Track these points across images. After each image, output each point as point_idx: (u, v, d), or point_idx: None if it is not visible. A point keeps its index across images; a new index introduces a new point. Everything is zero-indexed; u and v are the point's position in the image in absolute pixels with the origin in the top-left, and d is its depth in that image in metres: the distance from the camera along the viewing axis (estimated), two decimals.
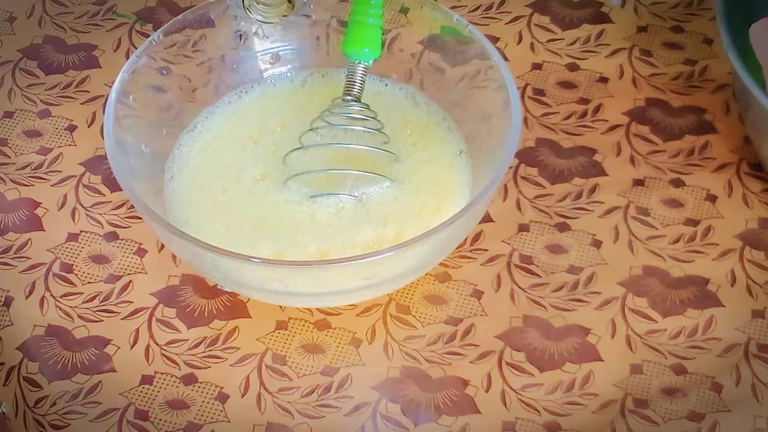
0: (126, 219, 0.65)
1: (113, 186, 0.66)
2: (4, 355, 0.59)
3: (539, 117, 0.68)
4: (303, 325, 0.60)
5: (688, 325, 0.58)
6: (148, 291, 0.61)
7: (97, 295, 0.61)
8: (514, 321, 0.59)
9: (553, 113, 0.68)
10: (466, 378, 0.57)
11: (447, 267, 0.61)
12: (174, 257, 0.63)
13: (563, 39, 0.73)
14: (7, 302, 0.61)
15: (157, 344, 0.59)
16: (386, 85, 0.66)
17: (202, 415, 0.56)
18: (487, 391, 0.56)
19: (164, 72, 0.63)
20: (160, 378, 0.58)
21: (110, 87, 0.59)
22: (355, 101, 0.61)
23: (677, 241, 0.62)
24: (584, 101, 0.69)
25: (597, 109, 0.68)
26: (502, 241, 0.62)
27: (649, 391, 0.56)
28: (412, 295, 0.60)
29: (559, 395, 0.56)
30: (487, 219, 0.63)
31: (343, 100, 0.61)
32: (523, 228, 0.63)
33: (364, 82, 0.61)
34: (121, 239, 0.64)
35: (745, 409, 0.55)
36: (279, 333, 0.59)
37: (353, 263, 0.52)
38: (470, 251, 0.62)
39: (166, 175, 0.62)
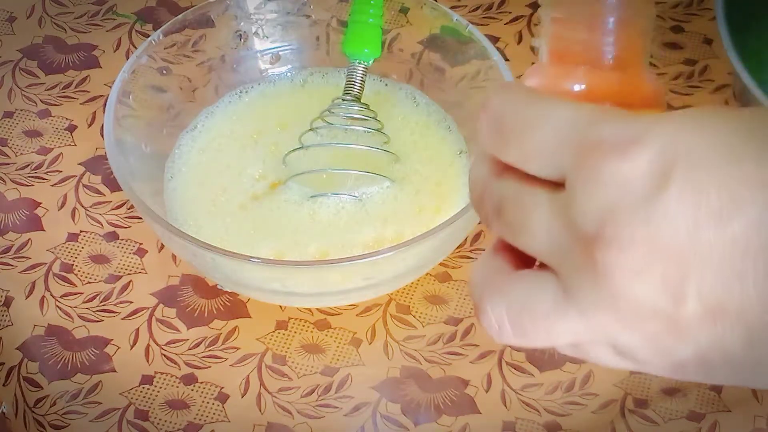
0: (126, 219, 0.65)
1: (113, 186, 0.66)
2: (4, 355, 0.59)
3: None
4: (303, 325, 0.60)
5: None
6: (148, 291, 0.61)
7: (97, 295, 0.61)
8: None
9: None
10: (466, 378, 0.57)
11: (447, 267, 0.61)
12: (174, 257, 0.63)
13: None
14: (7, 302, 0.61)
15: (157, 344, 0.59)
16: (386, 85, 0.66)
17: (202, 415, 0.56)
18: (487, 391, 0.56)
19: (164, 72, 0.63)
20: (160, 378, 0.58)
21: (110, 87, 0.59)
22: (355, 101, 0.61)
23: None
24: None
25: None
26: None
27: (649, 391, 0.56)
28: (412, 295, 0.60)
29: (559, 395, 0.56)
30: None
31: (343, 100, 0.61)
32: None
33: (364, 82, 0.61)
34: (121, 239, 0.64)
35: (745, 409, 0.55)
36: (279, 333, 0.59)
37: (353, 263, 0.53)
38: (470, 251, 0.62)
39: (166, 175, 0.62)
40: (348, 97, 0.61)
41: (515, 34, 0.73)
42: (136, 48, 0.72)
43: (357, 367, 0.58)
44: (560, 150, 0.29)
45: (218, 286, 0.61)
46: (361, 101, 0.61)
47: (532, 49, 0.72)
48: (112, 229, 0.64)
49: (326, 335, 0.59)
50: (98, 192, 0.66)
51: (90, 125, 0.70)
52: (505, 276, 0.31)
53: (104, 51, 0.74)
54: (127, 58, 0.62)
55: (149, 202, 0.55)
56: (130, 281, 0.62)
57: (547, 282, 0.30)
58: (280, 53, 0.67)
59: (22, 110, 0.71)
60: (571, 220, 0.28)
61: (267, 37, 0.67)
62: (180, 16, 0.63)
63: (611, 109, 0.29)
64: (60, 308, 0.61)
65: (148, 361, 0.58)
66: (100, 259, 0.63)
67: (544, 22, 0.32)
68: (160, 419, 0.56)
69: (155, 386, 0.58)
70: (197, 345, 0.59)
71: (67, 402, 0.57)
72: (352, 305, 0.60)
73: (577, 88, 0.31)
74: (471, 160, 0.62)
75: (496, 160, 0.31)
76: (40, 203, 0.66)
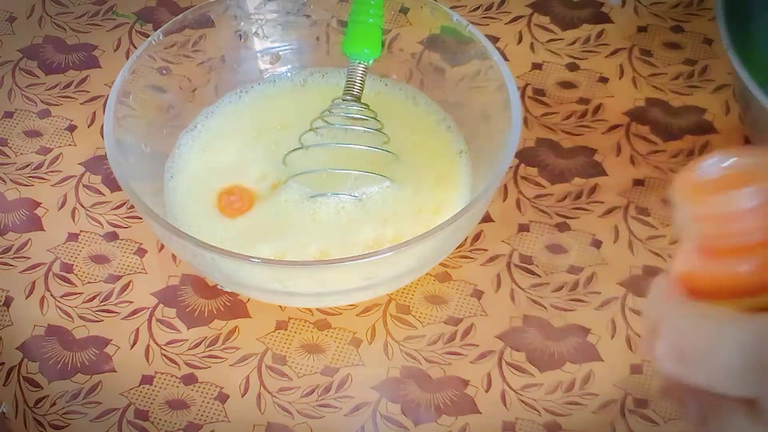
0: (126, 219, 0.65)
1: (113, 186, 0.66)
2: (4, 355, 0.59)
3: (539, 117, 0.68)
4: (303, 325, 0.60)
5: None
6: (148, 291, 0.61)
7: (97, 295, 0.61)
8: (514, 321, 0.59)
9: (553, 113, 0.68)
10: (466, 378, 0.57)
11: (447, 267, 0.61)
12: (174, 257, 0.63)
13: (563, 39, 0.73)
14: (7, 302, 0.61)
15: (157, 344, 0.59)
16: (386, 85, 0.66)
17: (202, 415, 0.56)
18: (487, 391, 0.56)
19: (164, 72, 0.63)
20: (160, 378, 0.58)
21: (110, 87, 0.59)
22: (355, 101, 0.61)
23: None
24: (584, 101, 0.69)
25: (597, 109, 0.68)
26: (502, 241, 0.62)
27: (649, 391, 0.56)
28: (412, 295, 0.60)
29: (559, 395, 0.56)
30: (487, 219, 0.63)
31: (343, 100, 0.61)
32: (523, 228, 0.63)
33: (364, 82, 0.61)
34: (121, 239, 0.64)
35: None
36: (279, 333, 0.59)
37: (353, 263, 0.52)
38: (470, 251, 0.62)
39: (166, 175, 0.62)
40: (348, 97, 0.61)
41: (515, 34, 0.73)
42: (136, 48, 0.72)
43: (357, 367, 0.58)
44: (744, 375, 0.29)
45: (218, 286, 0.61)
46: (361, 101, 0.61)
47: (532, 48, 0.72)
48: (112, 229, 0.64)
49: (326, 335, 0.59)
50: (98, 192, 0.66)
51: (90, 125, 0.70)
52: None
53: (104, 51, 0.74)
54: (127, 58, 0.62)
55: (149, 202, 0.55)
56: (130, 281, 0.62)
57: None
58: (280, 53, 0.67)
59: (22, 110, 0.71)
60: None
61: (267, 37, 0.67)
62: (180, 16, 0.63)
63: None
64: (60, 308, 0.61)
65: (148, 361, 0.58)
66: (100, 259, 0.63)
67: (683, 215, 0.31)
68: (160, 419, 0.56)
69: (155, 386, 0.58)
70: (197, 345, 0.59)
71: (67, 402, 0.57)
72: (352, 305, 0.60)
73: (738, 278, 0.30)
74: (471, 160, 0.62)
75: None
76: (40, 203, 0.66)
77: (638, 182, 0.65)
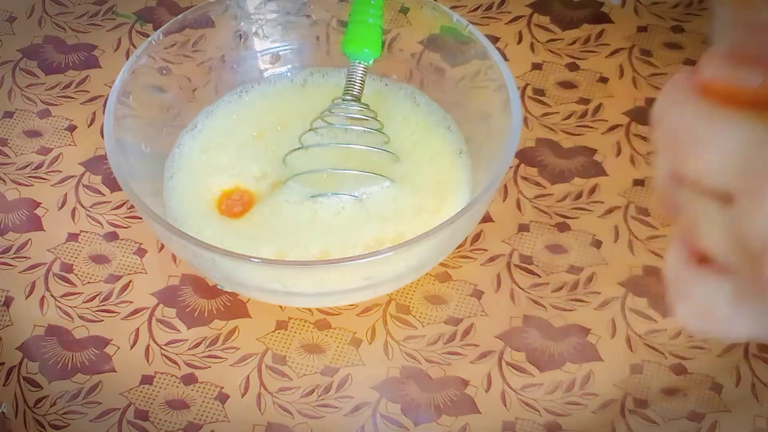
0: (126, 219, 0.65)
1: (113, 186, 0.66)
2: (4, 355, 0.59)
3: (539, 117, 0.68)
4: (303, 325, 0.60)
5: None
6: (148, 291, 0.61)
7: (97, 295, 0.61)
8: (514, 321, 0.59)
9: (553, 113, 0.68)
10: (466, 378, 0.57)
11: (447, 267, 0.61)
12: (174, 257, 0.63)
13: (563, 39, 0.73)
14: (7, 302, 0.61)
15: (157, 344, 0.59)
16: (386, 85, 0.66)
17: (202, 415, 0.56)
18: (487, 391, 0.56)
19: (164, 72, 0.63)
20: (160, 378, 0.58)
21: (110, 87, 0.59)
22: (355, 101, 0.61)
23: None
24: (584, 101, 0.69)
25: (597, 109, 0.69)
26: (502, 241, 0.62)
27: (649, 391, 0.56)
28: (412, 295, 0.60)
29: (559, 395, 0.56)
30: (487, 219, 0.63)
31: (343, 100, 0.61)
32: (523, 228, 0.63)
33: (364, 82, 0.61)
34: (121, 239, 0.64)
35: (744, 409, 0.55)
36: (279, 333, 0.59)
37: (353, 263, 0.52)
38: (470, 251, 0.62)
39: (165, 175, 0.62)
40: (348, 97, 0.61)
41: (515, 34, 0.73)
42: (136, 48, 0.72)
43: (357, 367, 0.58)
44: (730, 170, 0.30)
45: (218, 286, 0.61)
46: (361, 101, 0.61)
47: (532, 48, 0.72)
48: (112, 229, 0.64)
49: (326, 335, 0.59)
50: (98, 192, 0.66)
51: (90, 125, 0.70)
52: (691, 274, 0.33)
53: (104, 51, 0.74)
54: (127, 58, 0.62)
55: (149, 201, 0.55)
56: (130, 281, 0.62)
57: (724, 286, 0.31)
58: (280, 53, 0.67)
59: (22, 110, 0.71)
60: (741, 236, 0.29)
61: (267, 37, 0.67)
62: (180, 16, 0.63)
63: None
64: (60, 308, 0.61)
65: (148, 361, 0.58)
66: (100, 259, 0.63)
67: (722, 18, 0.31)
68: (160, 419, 0.56)
69: (155, 386, 0.58)
70: (197, 345, 0.59)
71: (67, 402, 0.57)
72: (352, 305, 0.60)
73: (757, 89, 0.31)
74: (471, 160, 0.62)
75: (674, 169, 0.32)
76: (40, 203, 0.66)
77: (638, 182, 0.65)
